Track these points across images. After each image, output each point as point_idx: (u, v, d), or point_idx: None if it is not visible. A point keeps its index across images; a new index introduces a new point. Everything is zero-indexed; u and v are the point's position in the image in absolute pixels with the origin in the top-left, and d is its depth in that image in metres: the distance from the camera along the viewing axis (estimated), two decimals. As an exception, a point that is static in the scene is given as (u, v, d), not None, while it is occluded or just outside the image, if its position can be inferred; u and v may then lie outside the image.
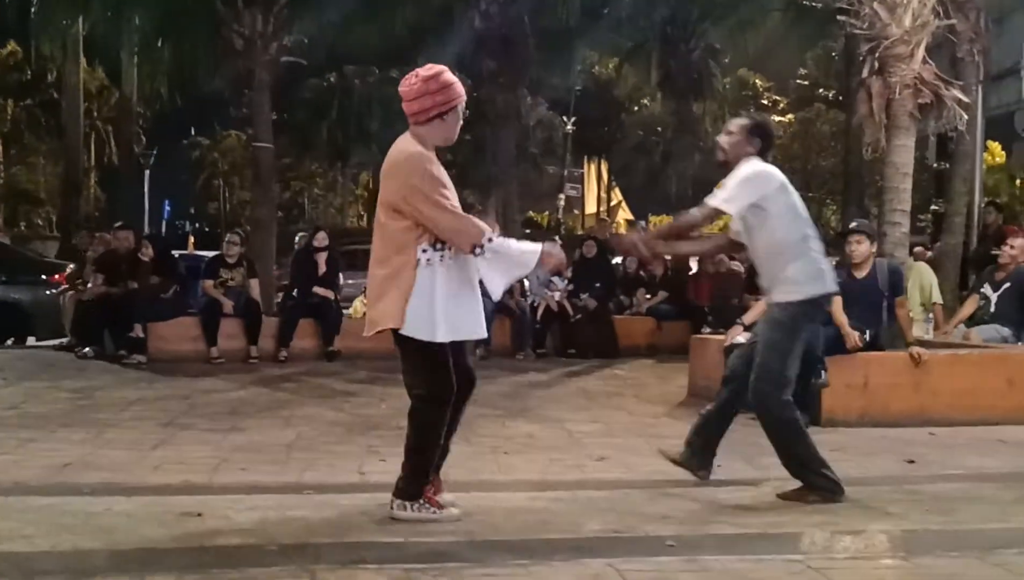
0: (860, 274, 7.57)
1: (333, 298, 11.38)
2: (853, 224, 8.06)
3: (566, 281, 12.50)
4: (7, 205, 44.04)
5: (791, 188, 5.08)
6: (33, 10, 16.46)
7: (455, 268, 4.26)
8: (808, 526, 4.29)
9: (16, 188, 43.88)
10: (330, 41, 17.29)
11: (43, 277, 13.63)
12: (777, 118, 50.41)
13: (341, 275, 12.00)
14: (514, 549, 3.92)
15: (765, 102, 51.23)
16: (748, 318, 7.74)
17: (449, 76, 4.34)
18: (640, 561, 3.79)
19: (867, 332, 7.43)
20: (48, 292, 13.18)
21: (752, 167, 4.97)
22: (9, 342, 12.76)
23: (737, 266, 13.50)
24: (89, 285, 11.42)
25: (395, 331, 4.21)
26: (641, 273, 13.93)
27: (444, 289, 4.20)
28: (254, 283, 11.27)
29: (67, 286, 12.78)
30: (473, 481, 5.22)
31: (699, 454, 5.22)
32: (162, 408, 7.57)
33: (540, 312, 12.20)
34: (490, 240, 4.17)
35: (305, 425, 6.90)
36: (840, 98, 32.37)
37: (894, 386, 7.42)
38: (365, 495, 4.78)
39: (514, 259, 4.29)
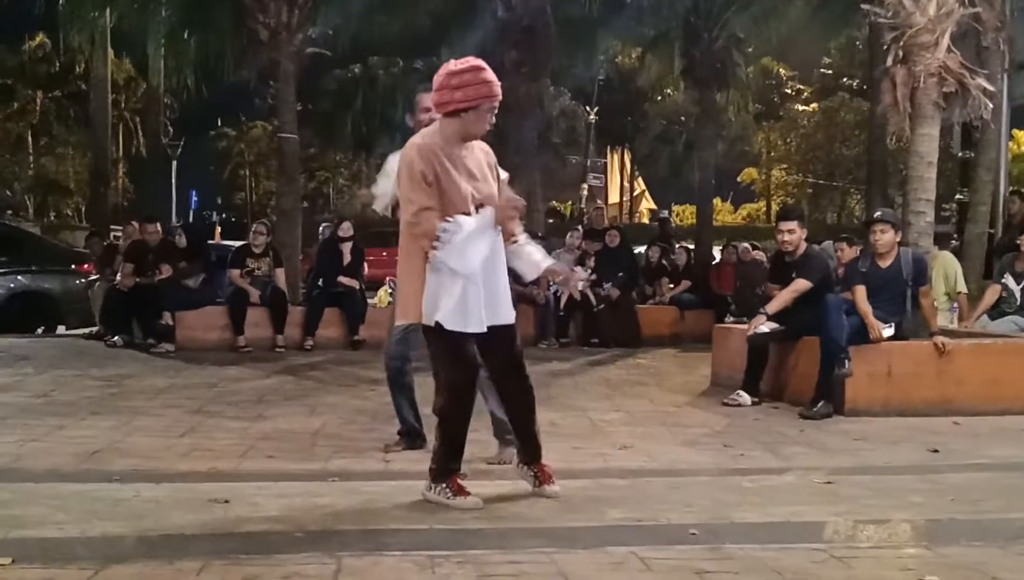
0: (884, 263, 7.55)
1: (358, 287, 11.45)
2: (877, 213, 8.02)
3: (589, 270, 12.51)
4: (37, 195, 44.46)
5: None
6: (61, 2, 16.58)
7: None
8: (832, 515, 4.30)
9: (45, 179, 44.25)
10: (354, 32, 17.31)
11: (72, 266, 13.78)
12: (801, 107, 50.29)
13: (366, 264, 12.07)
14: (537, 536, 3.93)
15: (789, 91, 51.01)
16: (771, 307, 7.73)
17: (478, 75, 4.26)
18: (663, 549, 3.80)
19: (891, 325, 7.42)
20: (77, 281, 13.33)
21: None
22: (39, 330, 12.91)
23: (760, 255, 13.49)
24: (119, 275, 11.54)
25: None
26: (664, 262, 13.94)
27: (451, 280, 4.25)
28: (280, 272, 11.36)
29: (96, 275, 12.93)
30: (495, 469, 5.25)
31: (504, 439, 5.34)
32: (190, 396, 7.63)
33: (563, 301, 12.23)
34: (439, 237, 4.15)
35: (330, 413, 6.94)
36: (864, 87, 32.18)
37: (918, 375, 7.39)
38: (390, 483, 4.82)
39: (475, 234, 4.22)
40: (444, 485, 4.36)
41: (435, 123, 4.43)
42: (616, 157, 54.64)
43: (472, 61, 4.33)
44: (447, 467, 4.40)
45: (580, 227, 14.66)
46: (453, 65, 4.31)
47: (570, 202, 49.44)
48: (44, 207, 44.38)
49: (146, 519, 4.05)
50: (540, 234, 13.60)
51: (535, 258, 4.66)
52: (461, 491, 4.36)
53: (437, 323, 4.25)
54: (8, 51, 39.85)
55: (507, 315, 4.44)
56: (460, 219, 4.21)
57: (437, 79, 4.32)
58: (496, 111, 4.40)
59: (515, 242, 4.60)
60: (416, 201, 4.23)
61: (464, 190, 4.31)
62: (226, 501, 4.32)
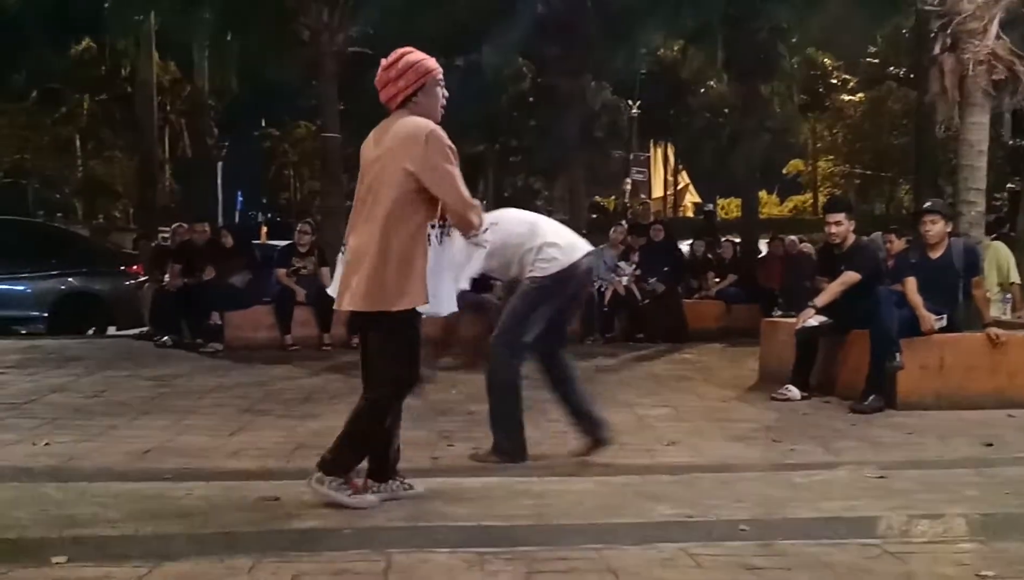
0: (935, 254, 7.44)
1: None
2: (927, 204, 7.91)
3: (634, 265, 12.46)
4: (86, 198, 45.12)
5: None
6: (106, 6, 16.81)
7: (449, 247, 4.31)
8: (885, 510, 4.24)
9: (94, 181, 44.85)
10: (394, 30, 17.39)
11: (122, 268, 13.97)
12: (847, 97, 49.66)
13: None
14: (586, 533, 3.92)
15: (834, 81, 50.40)
16: (820, 301, 7.64)
17: (409, 58, 4.32)
18: (713, 546, 3.77)
19: (943, 317, 7.31)
20: (127, 282, 13.51)
21: None
22: (90, 332, 13.10)
23: (808, 248, 13.36)
24: (167, 276, 11.68)
25: (380, 310, 4.18)
26: (710, 256, 13.86)
27: (440, 266, 4.23)
28: (326, 271, 11.41)
29: (145, 276, 13.10)
30: (543, 465, 5.24)
31: (589, 427, 5.43)
32: (239, 395, 7.70)
33: (608, 297, 12.19)
34: (485, 230, 4.24)
35: (377, 411, 6.95)
36: (911, 76, 31.68)
37: (970, 368, 7.28)
38: (438, 479, 4.82)
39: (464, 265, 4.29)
40: (341, 481, 4.26)
41: (401, 116, 4.33)
42: (659, 151, 54.24)
43: (399, 51, 4.38)
44: (351, 463, 4.30)
45: (624, 222, 14.60)
46: (384, 62, 4.36)
47: (613, 197, 49.19)
48: (93, 210, 45.01)
49: (197, 517, 4.09)
50: (585, 231, 13.59)
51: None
52: (358, 489, 4.29)
53: (411, 310, 4.17)
54: (55, 56, 40.41)
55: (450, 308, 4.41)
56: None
57: (377, 83, 4.37)
58: (443, 84, 4.42)
59: None
60: (462, 184, 4.20)
61: None
62: (276, 499, 4.34)
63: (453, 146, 4.24)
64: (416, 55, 4.36)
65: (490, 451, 5.28)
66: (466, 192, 4.22)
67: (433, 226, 4.21)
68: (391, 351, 4.24)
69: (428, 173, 4.13)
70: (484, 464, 5.20)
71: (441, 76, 4.41)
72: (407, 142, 4.18)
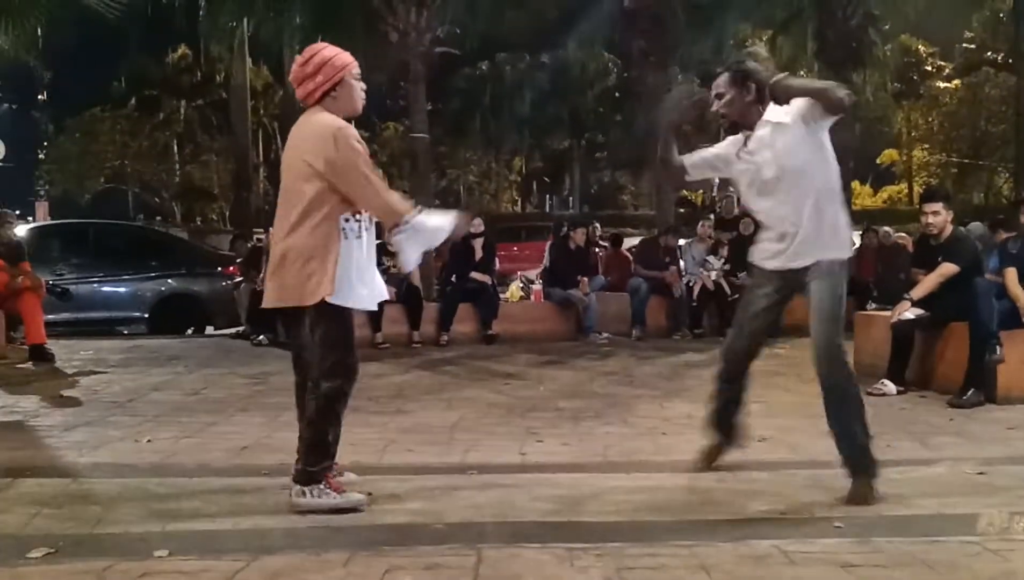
0: (1036, 244, 7.21)
1: (490, 282, 11.55)
2: (1028, 192, 7.67)
3: (723, 260, 12.32)
4: (183, 202, 46.37)
5: None
6: (201, 14, 17.22)
7: (368, 239, 4.28)
8: (985, 507, 4.13)
9: (191, 185, 46.10)
10: (481, 30, 17.48)
11: (219, 269, 14.30)
12: (943, 84, 48.38)
13: (497, 259, 12.16)
14: (677, 529, 3.90)
15: (929, 68, 49.14)
16: (916, 293, 7.47)
17: (325, 53, 4.24)
18: (807, 543, 3.72)
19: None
20: (224, 283, 13.82)
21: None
22: (189, 331, 13.45)
23: (903, 238, 13.06)
24: (261, 276, 11.91)
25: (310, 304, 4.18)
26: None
27: (360, 259, 4.21)
28: (416, 271, 11.55)
29: (241, 277, 13.39)
30: (633, 462, 5.23)
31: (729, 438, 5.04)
32: (331, 392, 7.80)
33: (696, 292, 12.08)
34: (408, 221, 4.15)
35: (467, 407, 7.02)
36: (1009, 61, 30.74)
37: (1075, 361, 7.04)
38: (527, 475, 4.84)
39: (427, 234, 4.20)
40: (322, 486, 4.18)
41: (318, 109, 4.27)
42: (748, 143, 53.57)
43: (313, 47, 4.31)
44: (323, 466, 4.21)
45: (712, 216, 14.43)
46: (299, 59, 4.27)
47: (701, 191, 48.66)
48: (191, 212, 46.25)
49: (293, 512, 4.16)
50: (672, 225, 13.48)
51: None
52: (340, 489, 4.23)
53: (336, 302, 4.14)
54: (153, 64, 41.62)
55: (380, 298, 4.40)
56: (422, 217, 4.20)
57: (293, 79, 4.29)
58: (361, 77, 4.35)
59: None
60: (375, 180, 4.17)
61: None
62: (369, 494, 4.40)
63: (361, 140, 4.18)
64: (330, 50, 4.28)
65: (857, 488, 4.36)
66: (381, 187, 4.17)
67: (348, 220, 4.17)
68: (332, 343, 4.20)
69: (341, 176, 4.08)
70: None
71: (358, 70, 4.33)
72: (314, 141, 4.12)
